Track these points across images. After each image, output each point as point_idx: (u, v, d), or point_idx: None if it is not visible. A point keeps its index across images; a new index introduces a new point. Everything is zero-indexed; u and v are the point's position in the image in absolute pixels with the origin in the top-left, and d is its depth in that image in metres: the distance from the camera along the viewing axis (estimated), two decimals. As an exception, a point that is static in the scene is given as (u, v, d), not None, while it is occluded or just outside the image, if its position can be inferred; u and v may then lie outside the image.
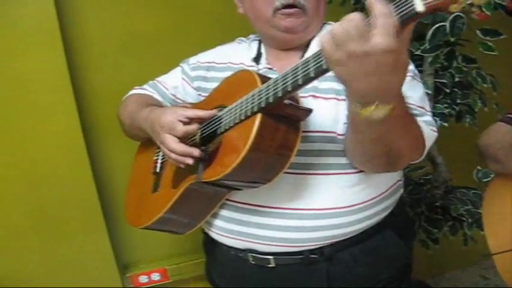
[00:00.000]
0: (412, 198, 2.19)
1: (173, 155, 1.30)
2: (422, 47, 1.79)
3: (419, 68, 1.89)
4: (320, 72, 1.01)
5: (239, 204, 1.40)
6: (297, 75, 1.06)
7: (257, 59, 1.49)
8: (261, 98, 1.15)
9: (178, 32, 2.22)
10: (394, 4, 0.88)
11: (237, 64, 1.50)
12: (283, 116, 1.17)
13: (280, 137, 1.17)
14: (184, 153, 1.28)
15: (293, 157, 1.21)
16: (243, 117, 1.19)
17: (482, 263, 3.09)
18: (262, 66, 1.46)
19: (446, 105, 1.98)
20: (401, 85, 0.99)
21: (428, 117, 1.32)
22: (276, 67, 1.44)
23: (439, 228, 2.14)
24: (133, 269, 2.42)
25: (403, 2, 0.87)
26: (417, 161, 1.34)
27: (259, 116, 1.14)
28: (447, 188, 2.21)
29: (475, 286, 3.13)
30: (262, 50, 1.51)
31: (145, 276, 2.39)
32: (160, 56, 2.12)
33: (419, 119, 1.25)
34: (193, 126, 1.29)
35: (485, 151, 1.59)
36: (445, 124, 2.01)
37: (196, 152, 1.27)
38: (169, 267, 2.41)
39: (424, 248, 2.21)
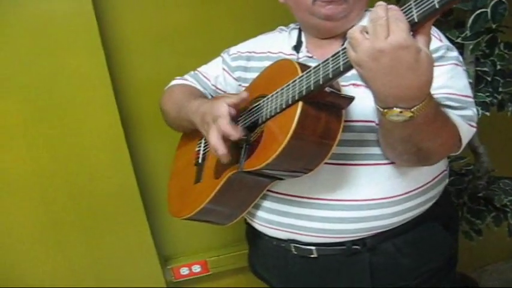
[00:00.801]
0: (454, 189, 2.16)
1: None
2: (462, 35, 1.76)
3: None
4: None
5: (281, 195, 1.40)
6: (338, 62, 1.05)
7: (297, 48, 1.48)
8: (301, 86, 1.14)
9: (214, 23, 2.22)
10: (414, 1, 0.90)
11: (276, 53, 1.50)
12: (325, 105, 1.17)
13: (321, 126, 1.17)
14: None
15: (335, 146, 1.20)
16: (284, 106, 1.19)
17: (527, 255, 3.04)
18: (303, 55, 1.46)
19: (487, 93, 1.94)
20: (426, 87, 0.97)
21: (469, 111, 1.28)
22: (316, 55, 1.43)
23: (482, 219, 2.10)
24: (175, 261, 2.44)
25: None
26: (456, 154, 1.32)
27: (300, 104, 1.14)
28: (490, 179, 2.17)
29: (518, 279, 3.09)
30: (303, 38, 1.50)
31: (186, 268, 2.42)
32: (198, 48, 2.13)
33: (458, 113, 1.23)
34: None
35: None
36: (487, 113, 1.97)
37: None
38: (209, 259, 2.43)
39: (467, 239, 2.18)
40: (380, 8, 0.93)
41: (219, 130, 1.24)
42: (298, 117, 1.13)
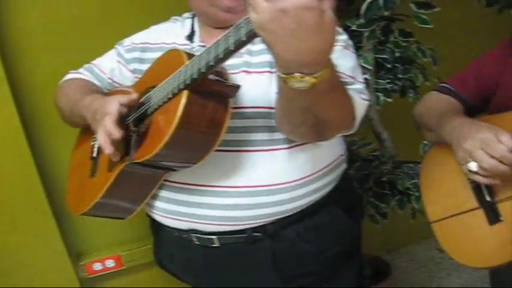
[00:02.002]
0: (360, 175, 2.21)
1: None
2: (358, 22, 1.80)
3: (359, 44, 1.90)
4: (240, 45, 1.00)
5: (178, 185, 1.40)
6: (219, 49, 1.05)
7: (191, 37, 1.48)
8: (186, 75, 1.14)
9: (109, 14, 2.18)
10: None
11: (170, 44, 1.48)
12: (211, 93, 1.17)
13: (208, 115, 1.17)
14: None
15: (223, 135, 1.21)
16: (170, 96, 1.19)
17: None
18: (196, 44, 1.45)
19: (388, 80, 2.00)
20: (329, 52, 0.94)
21: (358, 85, 1.30)
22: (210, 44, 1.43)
23: (386, 202, 2.17)
24: (87, 257, 2.39)
25: None
26: (350, 132, 1.32)
27: (185, 93, 1.14)
28: (395, 163, 2.24)
29: (430, 259, 3.19)
30: (196, 27, 1.49)
31: (99, 264, 2.37)
32: (100, 40, 2.06)
33: (348, 87, 1.23)
34: None
35: (419, 120, 1.62)
36: (389, 100, 2.03)
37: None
38: (123, 254, 2.40)
39: (373, 223, 2.24)
40: None
41: (105, 129, 1.24)
42: (183, 106, 1.13)
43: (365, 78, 1.76)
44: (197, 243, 1.45)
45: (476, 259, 1.42)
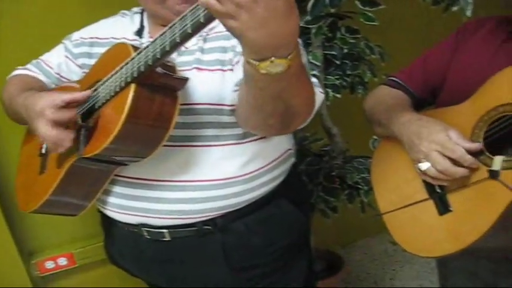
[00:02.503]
0: (311, 170, 2.24)
1: (49, 142, 1.29)
2: (305, 19, 1.82)
3: (308, 41, 1.93)
4: (186, 36, 1.01)
5: (129, 179, 1.41)
6: (165, 42, 1.06)
7: (140, 32, 1.48)
8: (133, 68, 1.15)
9: (57, 8, 2.14)
10: None
11: (119, 38, 1.48)
12: (159, 86, 1.18)
13: (156, 108, 1.18)
14: (57, 139, 1.27)
15: (172, 128, 1.22)
16: (118, 89, 1.19)
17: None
18: (145, 40, 1.45)
19: (337, 76, 2.03)
20: (297, 33, 0.96)
21: (314, 79, 1.32)
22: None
23: (336, 197, 2.20)
24: (39, 255, 2.36)
25: None
26: (305, 124, 1.32)
27: (132, 87, 1.14)
28: (345, 158, 2.27)
29: (384, 252, 3.26)
30: (145, 23, 1.50)
31: (52, 262, 2.35)
32: (45, 35, 2.03)
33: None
34: (67, 114, 1.27)
35: (369, 114, 1.63)
36: (338, 95, 2.06)
37: (67, 140, 1.26)
38: (75, 251, 2.38)
39: (324, 217, 2.27)
40: None
41: (47, 120, 1.24)
42: (131, 100, 1.14)
43: (314, 75, 1.79)
44: (148, 237, 1.45)
45: (428, 249, 1.45)
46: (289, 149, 1.56)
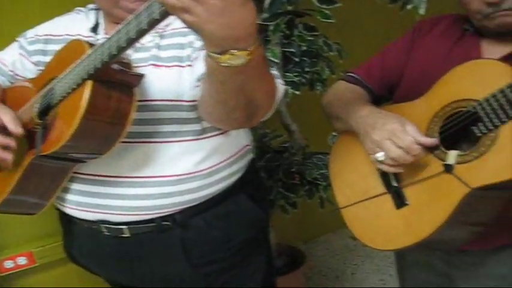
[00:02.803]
0: (271, 166, 2.26)
1: None
2: (263, 16, 1.84)
3: (267, 38, 1.95)
4: (141, 32, 1.01)
5: (88, 176, 1.40)
6: (120, 38, 1.06)
7: (95, 29, 1.47)
8: (89, 64, 1.14)
9: (12, 6, 2.11)
10: None
11: (74, 35, 1.46)
12: (115, 83, 1.18)
13: (113, 104, 1.18)
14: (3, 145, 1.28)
15: (129, 124, 1.22)
16: (74, 86, 1.19)
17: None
18: (101, 36, 1.45)
19: (296, 73, 2.05)
20: (255, 22, 0.97)
21: (275, 71, 1.34)
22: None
23: (295, 193, 2.22)
24: (-2, 255, 2.34)
25: None
26: (267, 116, 1.34)
27: (89, 84, 1.14)
28: (304, 155, 2.30)
29: (345, 247, 3.30)
30: (100, 20, 1.49)
31: (11, 261, 2.32)
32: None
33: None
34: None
35: (327, 109, 1.64)
36: (297, 92, 2.08)
37: (11, 144, 1.28)
38: (35, 250, 2.35)
39: (284, 213, 2.29)
40: None
41: None
42: (88, 96, 1.14)
43: (271, 72, 1.80)
44: (107, 234, 1.45)
45: (385, 242, 1.47)
46: (247, 145, 1.57)
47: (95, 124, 1.18)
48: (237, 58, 0.98)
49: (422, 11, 1.85)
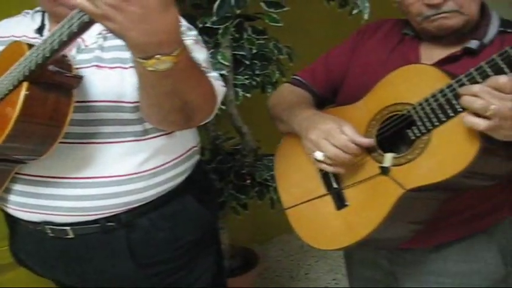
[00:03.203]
0: (222, 168, 2.27)
1: None
2: (211, 19, 1.85)
3: (217, 41, 1.96)
4: (72, 35, 1.03)
5: (31, 177, 1.39)
6: (54, 40, 1.07)
7: (40, 30, 1.47)
8: (25, 66, 1.15)
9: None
10: None
11: (20, 37, 1.46)
12: (52, 84, 1.18)
13: (50, 106, 1.18)
14: None
15: (67, 126, 1.22)
16: (11, 88, 1.19)
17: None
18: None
19: (247, 76, 2.07)
20: (178, 27, 0.99)
21: (214, 73, 1.36)
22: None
23: (246, 194, 2.24)
24: None
25: None
26: (209, 118, 1.35)
27: (24, 85, 1.14)
28: (256, 156, 2.31)
29: (300, 248, 3.33)
30: (46, 21, 1.49)
31: (-41, 266, 2.29)
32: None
33: (207, 75, 1.28)
34: None
35: (272, 112, 1.67)
36: (248, 95, 2.10)
37: None
38: (-16, 254, 2.32)
39: (235, 214, 2.31)
40: None
41: None
42: (22, 98, 1.14)
43: (222, 74, 1.82)
44: (52, 235, 1.44)
45: (327, 242, 1.51)
46: (194, 147, 1.58)
47: (31, 126, 1.18)
48: (162, 63, 1.00)
49: (366, 16, 1.88)
